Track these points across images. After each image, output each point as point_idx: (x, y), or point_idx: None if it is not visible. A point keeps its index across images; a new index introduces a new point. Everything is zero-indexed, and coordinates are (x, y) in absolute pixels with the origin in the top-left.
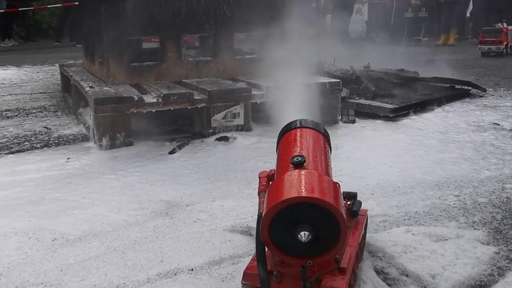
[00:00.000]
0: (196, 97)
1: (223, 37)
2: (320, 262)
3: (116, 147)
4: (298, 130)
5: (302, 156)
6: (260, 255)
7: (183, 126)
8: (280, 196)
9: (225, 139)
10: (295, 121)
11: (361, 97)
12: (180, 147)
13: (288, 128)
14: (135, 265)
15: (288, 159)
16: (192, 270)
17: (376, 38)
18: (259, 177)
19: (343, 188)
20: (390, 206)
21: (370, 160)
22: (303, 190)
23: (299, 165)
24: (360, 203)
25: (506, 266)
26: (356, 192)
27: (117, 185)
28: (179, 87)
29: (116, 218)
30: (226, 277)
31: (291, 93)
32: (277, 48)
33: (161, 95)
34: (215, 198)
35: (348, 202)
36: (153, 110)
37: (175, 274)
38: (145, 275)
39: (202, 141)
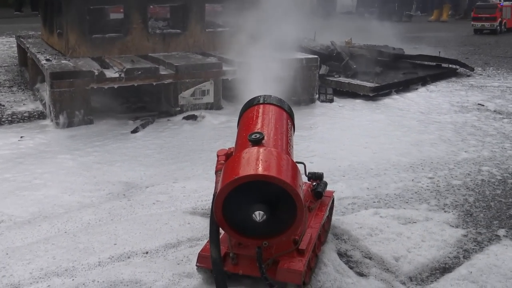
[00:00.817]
0: (162, 73)
1: (194, 8)
2: (278, 244)
3: (75, 125)
4: (260, 106)
5: (260, 133)
6: (213, 236)
7: (150, 104)
8: (234, 174)
9: (193, 117)
10: (257, 97)
11: (341, 75)
12: (143, 126)
13: (250, 105)
14: (87, 248)
15: (247, 136)
16: (147, 253)
17: (365, 12)
18: (217, 155)
19: (314, 169)
20: (361, 188)
21: (344, 141)
22: (258, 168)
23: (257, 142)
24: (325, 184)
25: (473, 248)
26: (322, 173)
27: (73, 166)
28: (144, 62)
29: (69, 199)
30: (182, 260)
31: (265, 70)
32: (252, 21)
33: (124, 70)
34: (177, 179)
35: (314, 183)
36: (116, 86)
37: (129, 257)
38: (97, 258)
39: (168, 120)
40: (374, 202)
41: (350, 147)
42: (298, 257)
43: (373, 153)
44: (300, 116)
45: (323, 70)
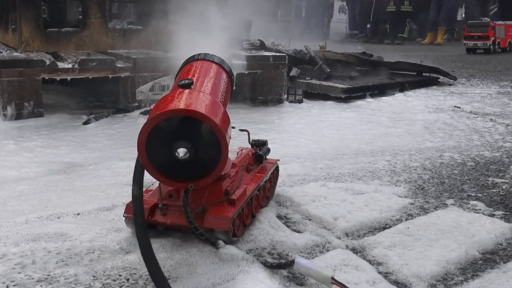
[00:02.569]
0: (119, 65)
1: (157, 3)
2: (209, 194)
3: (24, 118)
4: (199, 62)
5: (189, 79)
6: (136, 175)
7: (107, 103)
8: (156, 111)
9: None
10: (198, 54)
11: (314, 78)
12: (96, 118)
13: (189, 60)
14: (16, 210)
15: (176, 84)
16: (78, 214)
17: (356, 36)
18: (150, 109)
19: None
20: (314, 168)
21: (307, 132)
22: (180, 103)
23: (185, 86)
24: (268, 150)
25: (417, 213)
26: (266, 140)
27: (14, 149)
28: (101, 55)
29: (5, 174)
30: (113, 219)
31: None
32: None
33: (78, 61)
34: (123, 159)
35: (258, 150)
36: (68, 78)
37: (58, 218)
38: (24, 218)
39: (124, 115)
40: (325, 178)
41: (311, 137)
42: (228, 206)
43: (334, 142)
44: (265, 113)
45: (294, 72)
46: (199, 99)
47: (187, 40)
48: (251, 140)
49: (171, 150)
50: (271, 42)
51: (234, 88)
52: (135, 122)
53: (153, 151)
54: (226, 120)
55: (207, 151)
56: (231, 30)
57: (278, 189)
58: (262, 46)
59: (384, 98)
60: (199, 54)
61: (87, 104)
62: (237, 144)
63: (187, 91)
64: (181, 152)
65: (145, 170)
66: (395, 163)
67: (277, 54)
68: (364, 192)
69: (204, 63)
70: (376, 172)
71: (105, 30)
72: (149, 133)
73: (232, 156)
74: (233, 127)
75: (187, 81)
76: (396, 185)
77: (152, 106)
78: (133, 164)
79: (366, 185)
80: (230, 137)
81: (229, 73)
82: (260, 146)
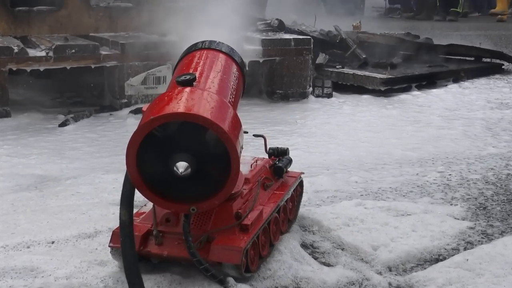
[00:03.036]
0: (104, 52)
1: None
2: (215, 218)
3: None
4: (203, 52)
5: (191, 74)
6: (125, 196)
7: (89, 98)
8: (149, 115)
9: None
10: (201, 41)
11: (346, 65)
12: (76, 119)
13: (191, 50)
14: None
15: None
16: (52, 242)
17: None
18: (142, 111)
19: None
20: (347, 182)
21: (338, 136)
22: (179, 106)
23: (186, 83)
24: (288, 160)
25: (479, 241)
26: (287, 148)
27: None
28: (82, 40)
29: None
30: (96, 249)
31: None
32: None
33: (53, 48)
34: (108, 171)
35: (276, 161)
36: (41, 68)
37: (28, 247)
38: None
39: (111, 114)
40: (362, 195)
41: (342, 142)
42: (240, 234)
43: (372, 147)
44: (285, 111)
45: (322, 59)
46: (203, 100)
47: (188, 21)
48: (268, 149)
49: (168, 164)
50: (293, 21)
51: (246, 83)
52: (124, 123)
53: (146, 165)
54: (236, 125)
55: (213, 165)
56: (242, 6)
57: (302, 210)
58: (281, 26)
59: (434, 90)
60: (203, 42)
61: (64, 100)
62: (250, 153)
63: (188, 89)
64: (181, 166)
65: (135, 189)
66: (450, 175)
67: (300, 36)
68: (411, 213)
69: (209, 53)
70: (426, 186)
71: (86, 8)
72: (141, 142)
73: (244, 169)
74: (246, 132)
75: (188, 77)
76: (451, 204)
77: (144, 107)
78: (121, 178)
79: (413, 203)
80: (242, 147)
81: (241, 66)
82: (279, 156)
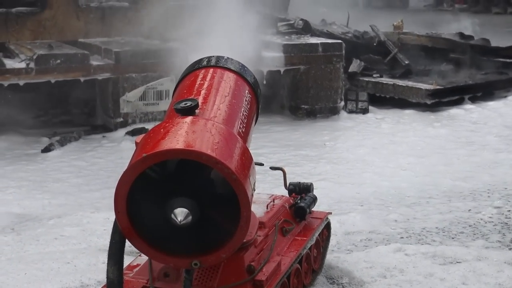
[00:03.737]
0: (95, 63)
1: None
2: (223, 271)
3: None
4: (208, 70)
5: (193, 100)
6: (113, 249)
7: (79, 116)
8: (142, 151)
9: (143, 132)
10: (206, 58)
11: (385, 74)
12: (61, 142)
13: (194, 67)
14: None
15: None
16: None
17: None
18: (135, 143)
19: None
20: (385, 220)
21: (374, 162)
22: (177, 141)
23: (187, 111)
24: (312, 199)
25: None
26: (311, 184)
27: None
28: (69, 47)
29: None
30: None
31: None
32: None
33: (34, 58)
34: (99, 209)
35: (298, 200)
36: (21, 83)
37: None
38: None
39: (103, 136)
40: (402, 238)
41: (380, 169)
42: None
43: (415, 176)
44: (311, 131)
45: (356, 66)
46: (206, 133)
47: (196, 22)
48: (288, 184)
49: (165, 210)
50: (322, 19)
51: (260, 107)
52: (118, 147)
53: (139, 211)
54: (246, 163)
55: (219, 211)
56: (259, 3)
57: (330, 257)
58: (306, 28)
59: (491, 103)
60: (208, 58)
61: (48, 119)
62: (267, 189)
63: (188, 119)
64: (180, 214)
65: (126, 241)
66: (509, 211)
67: (329, 40)
68: (461, 261)
69: (216, 71)
70: (480, 226)
71: (74, 9)
72: (132, 184)
73: (259, 210)
74: (261, 164)
75: (189, 104)
76: (510, 248)
77: (138, 138)
78: (113, 217)
79: (464, 248)
80: (254, 188)
81: (253, 87)
82: (301, 193)
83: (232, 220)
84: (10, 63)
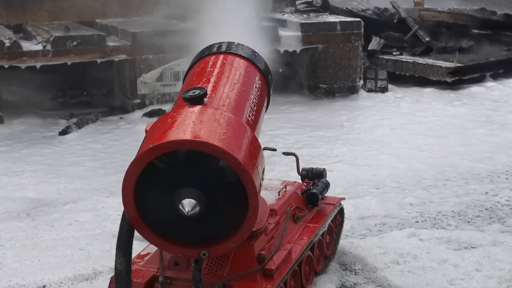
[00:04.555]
0: (112, 44)
1: None
2: (233, 260)
3: None
4: (218, 56)
5: (201, 88)
6: (121, 239)
7: (97, 97)
8: (149, 142)
9: (160, 114)
10: (217, 44)
11: (405, 51)
12: (78, 125)
13: (204, 54)
14: None
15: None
16: (44, 287)
17: None
18: (145, 131)
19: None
20: (401, 204)
21: (392, 142)
22: (185, 131)
23: (195, 101)
24: (325, 185)
25: None
26: (324, 169)
27: None
28: (85, 29)
29: None
30: None
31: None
32: None
33: (51, 39)
34: (114, 193)
35: (311, 186)
36: (38, 65)
37: None
38: None
39: (121, 118)
40: (417, 222)
41: (397, 151)
42: (263, 281)
43: (433, 158)
44: (329, 111)
45: (375, 44)
46: (214, 123)
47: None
48: (301, 170)
49: (173, 201)
50: None
51: (271, 93)
52: (135, 129)
53: (147, 202)
54: (255, 152)
55: (227, 201)
56: None
57: (343, 243)
58: (325, 6)
59: None
60: (219, 44)
61: (66, 100)
62: (283, 171)
63: (196, 109)
64: (187, 205)
65: (135, 231)
66: None
67: (348, 19)
68: (476, 246)
69: (226, 58)
70: (497, 209)
71: None
72: (140, 175)
73: (271, 197)
74: (274, 150)
75: (197, 92)
76: None
77: (147, 126)
78: None
79: (480, 232)
80: (262, 177)
81: (264, 73)
82: (314, 179)
83: (240, 210)
84: (27, 45)
